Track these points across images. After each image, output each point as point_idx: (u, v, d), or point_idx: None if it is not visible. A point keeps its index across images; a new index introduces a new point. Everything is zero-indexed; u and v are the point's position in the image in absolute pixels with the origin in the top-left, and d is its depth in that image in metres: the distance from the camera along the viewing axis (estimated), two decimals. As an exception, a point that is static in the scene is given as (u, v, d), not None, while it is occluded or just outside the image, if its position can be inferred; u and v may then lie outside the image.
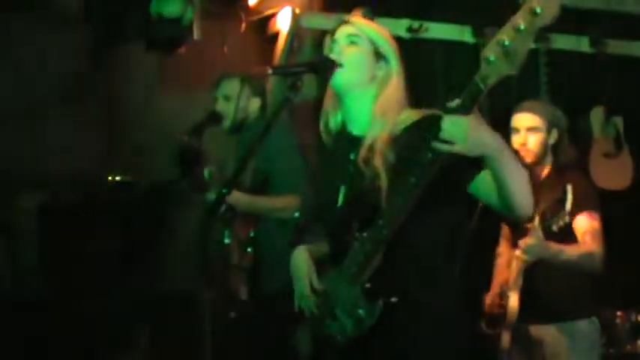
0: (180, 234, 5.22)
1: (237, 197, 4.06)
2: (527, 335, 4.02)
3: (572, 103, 5.32)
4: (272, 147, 4.12)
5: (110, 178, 5.18)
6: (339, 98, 2.77)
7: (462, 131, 2.32)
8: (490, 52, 2.26)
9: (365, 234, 2.58)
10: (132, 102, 5.36)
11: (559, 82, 5.72)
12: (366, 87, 2.71)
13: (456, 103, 2.35)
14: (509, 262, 4.05)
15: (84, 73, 5.30)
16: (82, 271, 4.99)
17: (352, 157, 2.71)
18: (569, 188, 3.76)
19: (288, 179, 4.22)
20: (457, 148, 2.34)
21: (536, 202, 3.91)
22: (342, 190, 2.74)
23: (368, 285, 2.58)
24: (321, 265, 2.82)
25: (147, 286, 5.16)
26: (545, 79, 5.64)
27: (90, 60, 5.29)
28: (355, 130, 2.76)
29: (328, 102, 2.81)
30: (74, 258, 4.98)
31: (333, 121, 2.81)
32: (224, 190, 2.82)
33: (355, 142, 2.72)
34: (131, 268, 5.18)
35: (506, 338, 3.97)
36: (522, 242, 3.76)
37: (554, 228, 3.77)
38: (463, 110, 2.33)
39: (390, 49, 2.73)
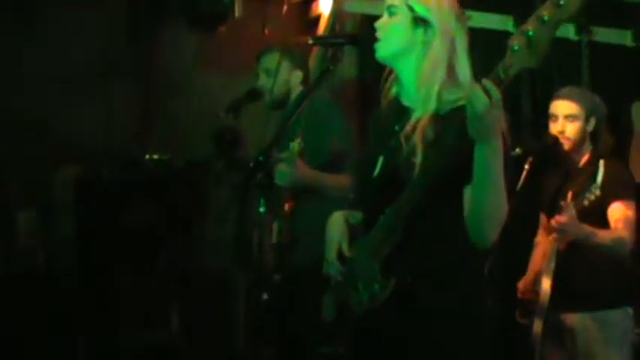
0: (217, 213, 5.24)
1: (304, 171, 4.03)
2: (560, 324, 3.99)
3: (614, 97, 5.27)
4: (321, 130, 4.13)
5: (148, 155, 5.19)
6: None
7: (482, 102, 2.32)
8: (515, 42, 2.28)
9: (389, 209, 2.58)
10: (172, 80, 5.38)
11: (601, 76, 5.68)
12: (408, 55, 2.69)
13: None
14: (546, 251, 4.03)
15: (124, 50, 5.33)
16: (116, 246, 5.01)
17: (397, 128, 2.69)
18: (601, 162, 3.74)
19: (341, 159, 4.15)
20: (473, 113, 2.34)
21: (572, 186, 3.93)
22: (380, 161, 2.73)
23: (384, 261, 2.58)
24: (358, 232, 2.81)
25: (181, 263, 5.18)
26: (587, 71, 5.61)
27: (131, 37, 5.31)
28: (405, 100, 2.75)
29: (390, 71, 2.80)
30: (109, 233, 5.00)
31: (391, 90, 2.79)
32: (260, 158, 2.83)
33: (403, 113, 2.71)
34: (166, 245, 5.19)
35: (538, 326, 3.94)
36: (554, 220, 3.75)
37: (586, 203, 3.75)
38: None
39: (431, 12, 2.65)
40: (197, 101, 5.36)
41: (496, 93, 2.31)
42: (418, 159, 2.55)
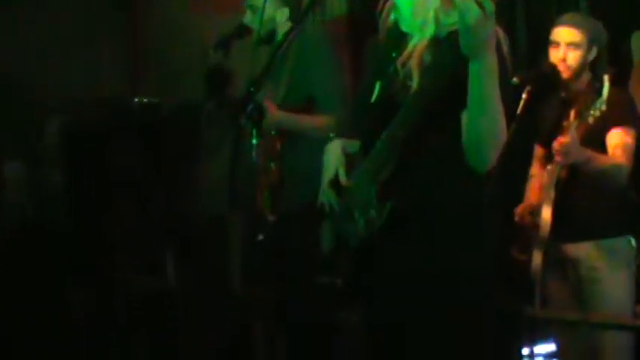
0: (209, 154, 5.19)
1: (274, 113, 3.99)
2: (562, 255, 3.95)
3: (613, 27, 5.19)
4: (311, 66, 4.07)
5: (137, 99, 5.13)
6: None
7: (474, 14, 2.22)
8: None
9: (384, 133, 2.52)
10: (161, 21, 5.30)
11: (599, 6, 5.59)
12: None
13: None
14: (541, 184, 3.98)
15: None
16: (107, 193, 4.97)
17: (394, 54, 2.62)
18: (606, 77, 3.66)
19: (328, 99, 4.10)
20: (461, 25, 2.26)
21: (574, 106, 3.84)
22: (377, 87, 2.65)
23: (380, 186, 2.53)
24: (355, 161, 2.75)
25: (175, 208, 5.15)
26: (584, 3, 5.52)
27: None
28: (404, 26, 2.65)
29: None
30: (99, 180, 4.96)
31: (389, 17, 2.70)
32: (251, 89, 2.79)
33: (401, 39, 2.63)
34: (158, 190, 5.15)
35: (537, 257, 3.88)
36: (556, 142, 3.68)
37: (590, 120, 3.68)
38: None
39: None
40: (187, 41, 5.28)
41: (489, 4, 2.22)
42: (414, 82, 2.49)
